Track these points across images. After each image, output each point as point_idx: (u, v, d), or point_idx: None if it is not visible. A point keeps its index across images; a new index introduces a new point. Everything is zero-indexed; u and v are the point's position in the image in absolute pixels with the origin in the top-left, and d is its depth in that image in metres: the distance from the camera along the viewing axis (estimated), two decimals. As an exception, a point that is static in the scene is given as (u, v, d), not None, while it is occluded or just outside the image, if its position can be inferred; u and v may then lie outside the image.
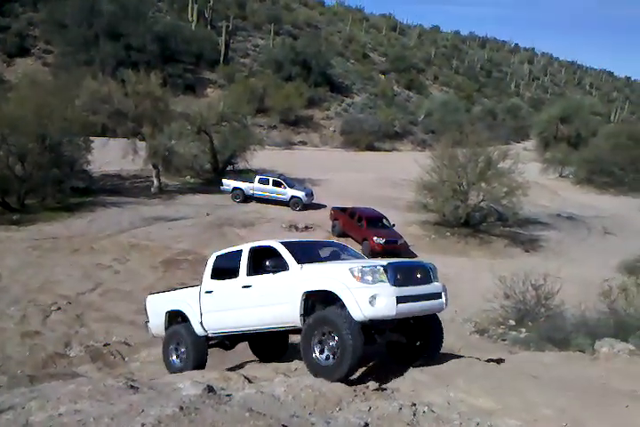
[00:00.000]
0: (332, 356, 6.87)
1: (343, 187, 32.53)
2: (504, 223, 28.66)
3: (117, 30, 47.39)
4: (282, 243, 8.00)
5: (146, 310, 10.01)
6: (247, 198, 28.79)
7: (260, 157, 33.49)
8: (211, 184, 30.62)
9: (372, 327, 7.05)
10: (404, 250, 22.97)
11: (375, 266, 6.85)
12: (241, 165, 33.73)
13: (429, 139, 54.64)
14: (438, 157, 27.90)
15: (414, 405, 5.96)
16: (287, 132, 50.97)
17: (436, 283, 7.52)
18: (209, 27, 60.39)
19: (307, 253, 8.15)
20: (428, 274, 7.47)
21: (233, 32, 59.93)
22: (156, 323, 9.64)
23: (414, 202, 27.97)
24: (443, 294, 7.51)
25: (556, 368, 7.63)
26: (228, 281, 8.37)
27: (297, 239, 9.72)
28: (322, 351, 7.00)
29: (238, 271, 8.17)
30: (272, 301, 7.62)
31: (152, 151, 28.33)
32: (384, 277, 6.77)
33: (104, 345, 12.70)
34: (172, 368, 8.93)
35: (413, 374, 7.58)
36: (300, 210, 28.07)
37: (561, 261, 22.87)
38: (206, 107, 32.73)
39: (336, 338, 6.77)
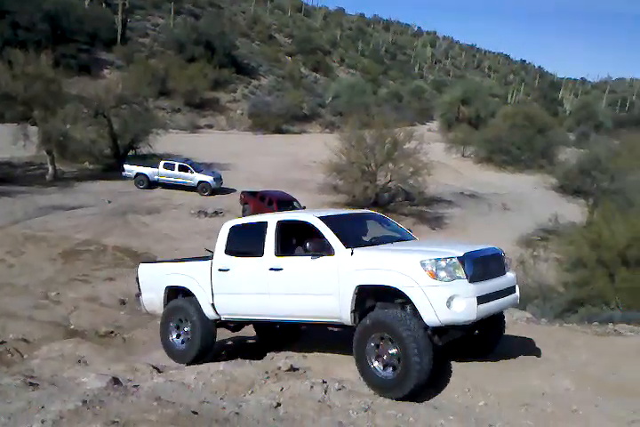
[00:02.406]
0: (392, 368, 5.74)
1: (253, 170, 32.19)
2: (411, 202, 29.58)
3: (2, 7, 43.89)
4: (320, 218, 6.62)
5: (137, 281, 8.65)
6: (152, 184, 27.81)
7: (164, 142, 32.34)
8: (112, 170, 29.28)
9: (436, 329, 5.82)
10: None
11: (450, 258, 5.61)
12: (144, 149, 32.34)
13: (337, 121, 55.01)
14: (346, 139, 28.29)
15: (325, 382, 6.02)
16: (192, 116, 49.56)
17: (509, 273, 6.44)
18: (104, 4, 57.26)
19: (351, 231, 6.87)
20: (501, 263, 6.38)
21: (130, 10, 57.17)
22: (151, 298, 8.33)
23: (324, 184, 28.23)
24: (516, 286, 6.51)
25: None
26: (249, 260, 7.09)
27: (334, 211, 7.82)
28: (380, 361, 5.85)
29: (262, 249, 6.86)
30: (311, 290, 6.42)
31: (45, 136, 26.58)
32: (461, 271, 5.58)
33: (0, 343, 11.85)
34: (171, 350, 7.93)
35: (325, 352, 7.64)
36: (208, 195, 27.54)
37: (465, 237, 23.92)
38: (104, 89, 31.03)
39: (398, 347, 5.62)
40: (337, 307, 6.15)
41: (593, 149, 37.83)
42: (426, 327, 5.63)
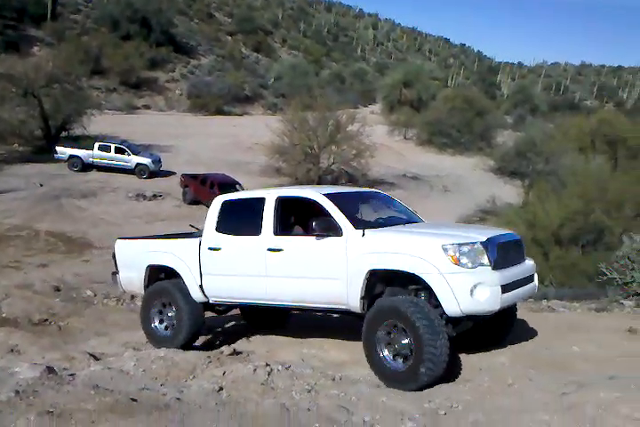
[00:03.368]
0: (404, 358, 5.35)
1: (193, 153, 31.54)
2: (354, 185, 29.75)
3: None
4: (325, 195, 6.10)
5: (114, 258, 7.97)
6: (86, 167, 26.86)
7: (99, 123, 31.21)
8: (43, 152, 28.02)
9: (450, 318, 5.38)
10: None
11: (473, 243, 5.21)
12: (77, 130, 31.15)
13: (280, 102, 54.55)
14: (289, 121, 28.09)
15: (268, 365, 5.99)
16: (129, 96, 47.94)
17: (528, 261, 6.07)
18: (32, -22, 54.12)
19: (358, 210, 6.39)
20: (521, 249, 6.00)
21: (61, -15, 54.41)
22: (130, 277, 7.68)
23: (267, 166, 28.01)
24: (535, 274, 6.13)
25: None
26: (243, 238, 6.54)
27: (338, 189, 7.23)
28: (391, 351, 5.46)
29: (260, 227, 6.31)
30: (315, 274, 5.92)
31: (-30, 117, 25.19)
32: (484, 257, 5.19)
33: None
34: (154, 337, 7.33)
35: (269, 335, 7.62)
36: (146, 178, 26.89)
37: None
38: (33, 67, 29.50)
39: (410, 336, 5.22)
40: (344, 292, 5.69)
41: (529, 131, 38.98)
42: (441, 315, 5.24)
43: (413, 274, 5.26)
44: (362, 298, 5.59)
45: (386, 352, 5.45)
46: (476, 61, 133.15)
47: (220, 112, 50.64)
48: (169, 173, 27.78)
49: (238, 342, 7.53)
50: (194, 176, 24.51)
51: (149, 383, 5.63)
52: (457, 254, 5.10)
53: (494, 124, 48.11)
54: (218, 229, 6.77)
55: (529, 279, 5.89)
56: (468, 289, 5.05)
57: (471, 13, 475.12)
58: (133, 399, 4.74)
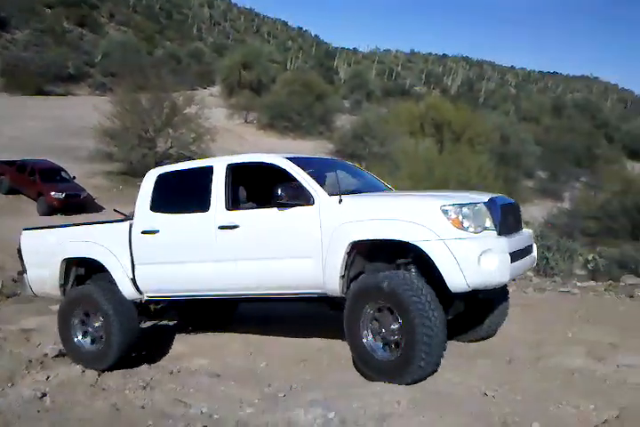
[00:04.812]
0: (393, 346, 4.52)
1: (9, 137, 28.30)
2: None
3: None
4: (289, 159, 5.19)
5: (20, 253, 6.52)
6: None
7: None
8: None
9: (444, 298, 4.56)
10: (89, 204, 21.43)
11: (475, 203, 4.47)
12: None
13: (109, 82, 51.05)
14: (119, 103, 26.35)
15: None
16: None
17: (526, 229, 5.37)
18: None
19: (327, 178, 5.43)
20: (519, 216, 5.20)
21: None
22: (41, 275, 6.25)
23: (96, 151, 26.11)
24: (534, 245, 5.37)
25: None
26: (187, 216, 5.48)
27: (302, 155, 6.22)
28: (377, 337, 4.60)
29: (207, 202, 5.29)
30: (281, 253, 4.91)
31: None
32: (488, 220, 4.44)
33: None
34: (79, 355, 5.90)
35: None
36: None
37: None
38: None
39: (401, 319, 4.38)
40: (319, 273, 4.73)
41: (364, 116, 40.82)
42: (439, 292, 4.47)
43: (407, 242, 4.39)
44: (342, 277, 4.70)
45: (371, 339, 4.62)
46: (313, 46, 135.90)
47: (40, 92, 45.97)
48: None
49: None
50: (10, 163, 22.04)
51: (-42, 397, 5.10)
52: (459, 217, 4.34)
53: (333, 108, 49.40)
54: (153, 208, 5.71)
55: (529, 250, 5.18)
56: (474, 257, 4.25)
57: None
58: None
